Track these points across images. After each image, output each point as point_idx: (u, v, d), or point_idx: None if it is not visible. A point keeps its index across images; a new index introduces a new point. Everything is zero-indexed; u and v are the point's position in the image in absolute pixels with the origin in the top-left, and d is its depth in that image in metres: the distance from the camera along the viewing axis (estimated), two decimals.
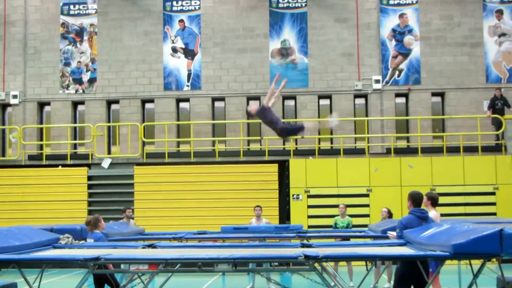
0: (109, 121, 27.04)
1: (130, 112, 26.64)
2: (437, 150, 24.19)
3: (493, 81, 25.66)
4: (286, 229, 16.61)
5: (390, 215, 16.49)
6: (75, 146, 26.74)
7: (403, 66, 25.99)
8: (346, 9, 26.42)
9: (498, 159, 22.65)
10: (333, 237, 16.24)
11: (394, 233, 10.96)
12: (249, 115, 13.20)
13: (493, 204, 22.25)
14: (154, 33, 26.86)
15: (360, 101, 26.47)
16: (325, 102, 26.47)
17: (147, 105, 27.12)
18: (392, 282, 11.19)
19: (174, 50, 26.74)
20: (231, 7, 26.83)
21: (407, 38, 26.12)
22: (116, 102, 27.01)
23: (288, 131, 13.38)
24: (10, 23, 27.27)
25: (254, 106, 13.24)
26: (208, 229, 17.54)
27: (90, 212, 22.66)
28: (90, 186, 24.07)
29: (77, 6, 27.20)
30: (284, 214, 22.77)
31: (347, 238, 15.97)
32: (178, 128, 26.56)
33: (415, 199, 10.33)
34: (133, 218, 18.59)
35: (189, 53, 26.68)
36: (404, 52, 26.07)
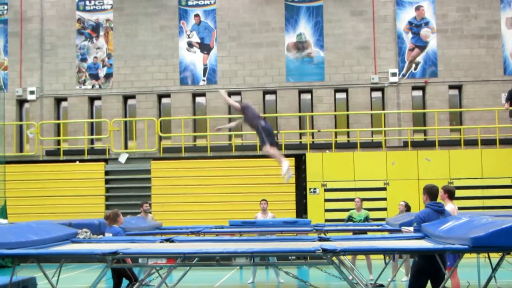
0: (125, 116, 27.13)
1: (146, 107, 26.70)
2: (454, 143, 24.10)
3: (511, 74, 25.49)
4: (293, 223, 16.60)
5: (407, 208, 16.42)
6: (92, 141, 26.83)
7: (419, 59, 25.88)
8: (362, 2, 26.31)
9: None
10: (351, 231, 16.22)
11: (410, 228, 10.94)
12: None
13: (511, 197, 22.14)
14: (169, 28, 26.89)
15: (377, 94, 26.39)
16: (341, 95, 26.41)
17: (164, 100, 27.17)
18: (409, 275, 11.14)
19: (190, 44, 26.75)
20: (246, 1, 26.80)
21: (424, 31, 25.99)
22: (133, 97, 27.08)
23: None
24: (27, 20, 27.38)
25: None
26: (225, 224, 17.58)
27: (107, 207, 22.79)
28: (107, 181, 24.18)
29: (92, 2, 27.26)
30: (301, 208, 22.78)
31: (364, 232, 15.96)
32: (194, 122, 26.61)
33: (431, 192, 10.32)
34: (150, 213, 18.64)
35: (205, 48, 26.69)
36: (421, 44, 25.95)
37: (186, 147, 24.99)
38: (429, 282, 9.76)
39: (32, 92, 26.89)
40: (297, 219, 18.45)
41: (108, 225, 12.40)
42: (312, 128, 25.43)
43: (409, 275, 12.38)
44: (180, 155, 24.55)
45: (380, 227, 15.48)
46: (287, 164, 13.06)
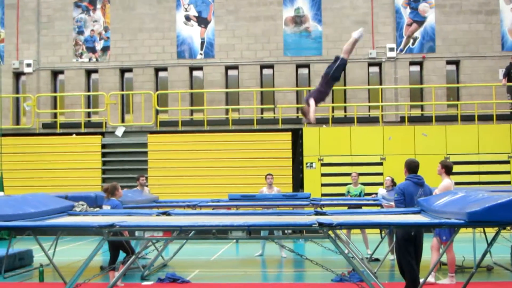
0: (122, 90, 27.06)
1: (143, 80, 26.63)
2: (451, 119, 24.09)
3: (509, 49, 25.43)
4: (294, 197, 16.65)
5: (394, 183, 16.40)
6: (89, 115, 26.79)
7: (417, 34, 25.79)
8: None
9: None
10: (347, 205, 16.29)
11: (391, 203, 11.15)
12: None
13: (508, 172, 22.21)
14: (167, 1, 26.73)
15: (374, 69, 26.34)
16: None
17: (161, 74, 27.09)
18: None
19: (187, 18, 26.63)
20: None
21: (422, 6, 25.88)
22: (130, 70, 26.99)
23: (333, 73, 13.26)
24: None
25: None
26: (221, 197, 17.63)
27: (104, 180, 22.83)
28: (104, 154, 24.16)
29: None
30: (298, 182, 22.80)
31: (359, 206, 16.04)
32: (191, 96, 26.56)
33: (411, 167, 10.54)
34: (147, 186, 18.66)
35: (202, 21, 26.57)
36: (419, 19, 25.85)
37: (183, 120, 24.96)
38: None
39: (28, 65, 26.80)
40: (296, 193, 18.47)
41: (106, 198, 12.40)
42: None
43: (394, 252, 12.47)
44: (177, 128, 24.53)
45: (376, 202, 15.55)
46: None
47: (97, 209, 12.11)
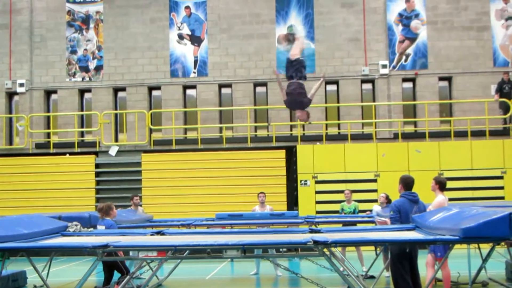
0: (116, 109, 27.05)
1: (137, 99, 26.62)
2: (444, 135, 24.13)
3: (501, 65, 25.53)
4: (281, 216, 16.62)
5: (388, 200, 16.40)
6: (82, 134, 26.75)
7: (410, 50, 25.88)
8: None
9: (506, 143, 22.56)
10: (341, 223, 16.27)
11: (384, 219, 11.14)
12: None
13: (501, 188, 22.20)
14: (160, 20, 26.79)
15: (367, 86, 26.40)
16: (332, 87, 26.41)
17: (154, 92, 27.10)
18: None
19: (181, 36, 26.68)
20: None
21: (414, 23, 25.98)
22: (123, 89, 27.00)
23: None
24: (16, 12, 27.24)
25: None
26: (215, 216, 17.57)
27: (98, 200, 22.77)
28: (97, 174, 24.11)
29: None
30: (292, 200, 22.78)
31: (354, 223, 16.03)
32: (185, 115, 26.55)
33: (406, 183, 10.61)
34: (141, 206, 18.61)
35: (196, 40, 26.62)
36: (411, 36, 25.94)
37: (176, 139, 24.95)
38: None
39: (21, 85, 26.77)
40: (284, 212, 18.42)
41: (101, 218, 12.36)
42: None
43: (389, 269, 12.45)
44: (171, 147, 24.51)
45: (371, 219, 15.54)
46: None
47: (91, 229, 12.07)
